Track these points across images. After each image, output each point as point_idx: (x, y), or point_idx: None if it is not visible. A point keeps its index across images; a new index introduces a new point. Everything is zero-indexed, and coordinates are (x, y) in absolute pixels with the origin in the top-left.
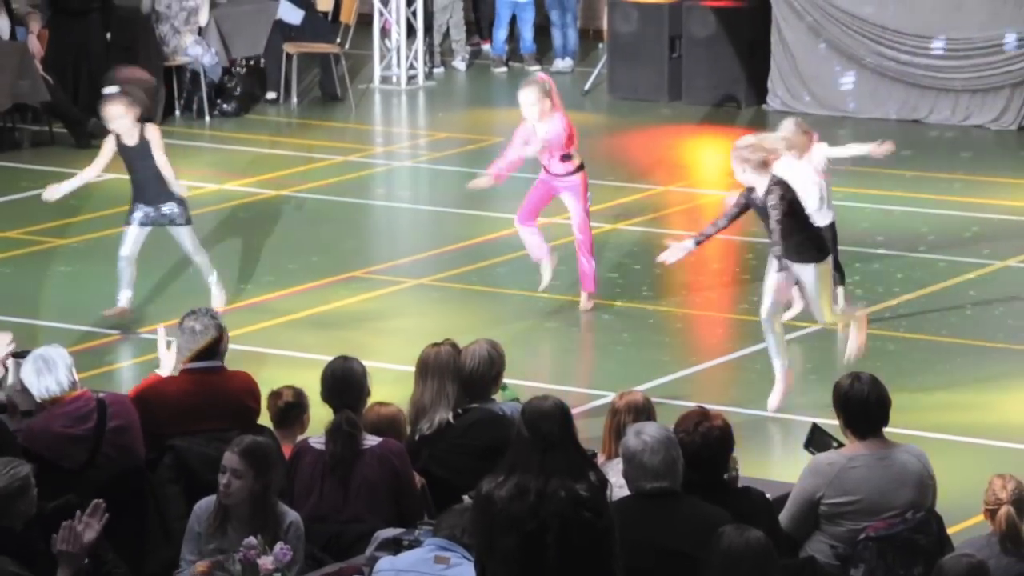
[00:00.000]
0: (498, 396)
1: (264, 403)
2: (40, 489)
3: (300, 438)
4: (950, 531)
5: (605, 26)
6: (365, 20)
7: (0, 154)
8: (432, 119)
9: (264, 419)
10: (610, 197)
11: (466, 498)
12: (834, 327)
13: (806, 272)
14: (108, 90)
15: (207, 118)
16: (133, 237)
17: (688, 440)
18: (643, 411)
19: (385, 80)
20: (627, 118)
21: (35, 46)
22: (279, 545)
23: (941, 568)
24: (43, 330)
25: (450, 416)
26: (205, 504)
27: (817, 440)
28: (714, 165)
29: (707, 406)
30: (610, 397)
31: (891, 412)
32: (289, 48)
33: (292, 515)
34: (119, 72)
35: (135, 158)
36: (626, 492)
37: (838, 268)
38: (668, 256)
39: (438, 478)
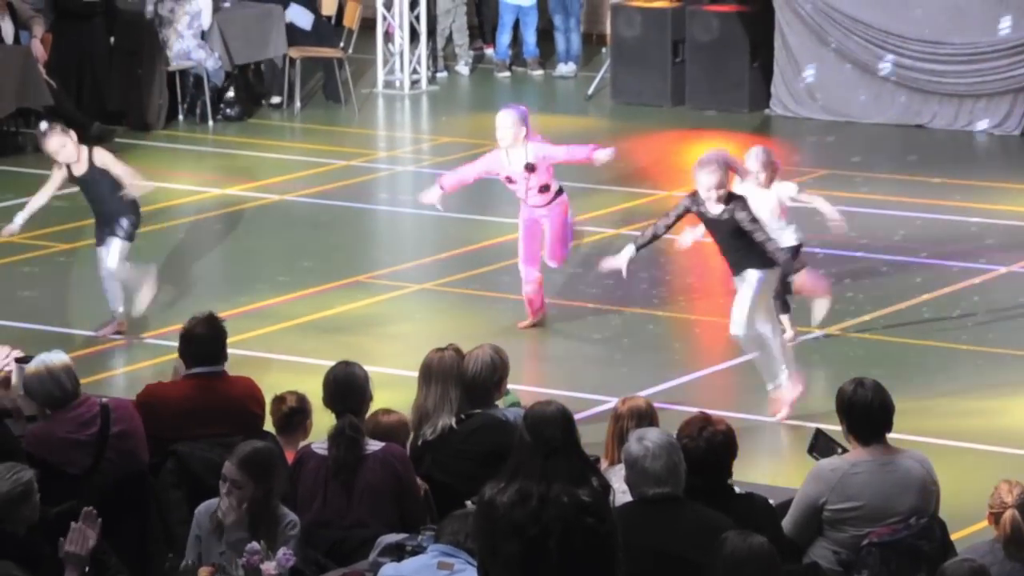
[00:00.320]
0: (500, 401)
1: (267, 408)
2: (43, 494)
3: (303, 443)
4: (953, 537)
5: (608, 30)
6: (368, 24)
7: (3, 158)
8: (435, 123)
9: (267, 424)
10: (613, 202)
11: (469, 504)
12: (735, 340)
13: (751, 274)
14: (41, 127)
15: (210, 122)
16: (117, 248)
17: (692, 445)
18: (645, 416)
19: (388, 84)
20: (630, 123)
21: (39, 50)
22: (282, 550)
23: (944, 573)
24: (47, 335)
25: (453, 421)
26: (206, 508)
27: (821, 445)
28: None
29: (709, 411)
30: (613, 402)
31: (895, 418)
32: (293, 52)
33: (290, 516)
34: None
35: (87, 185)
36: (629, 498)
37: (788, 293)
38: (612, 264)
39: (441, 483)
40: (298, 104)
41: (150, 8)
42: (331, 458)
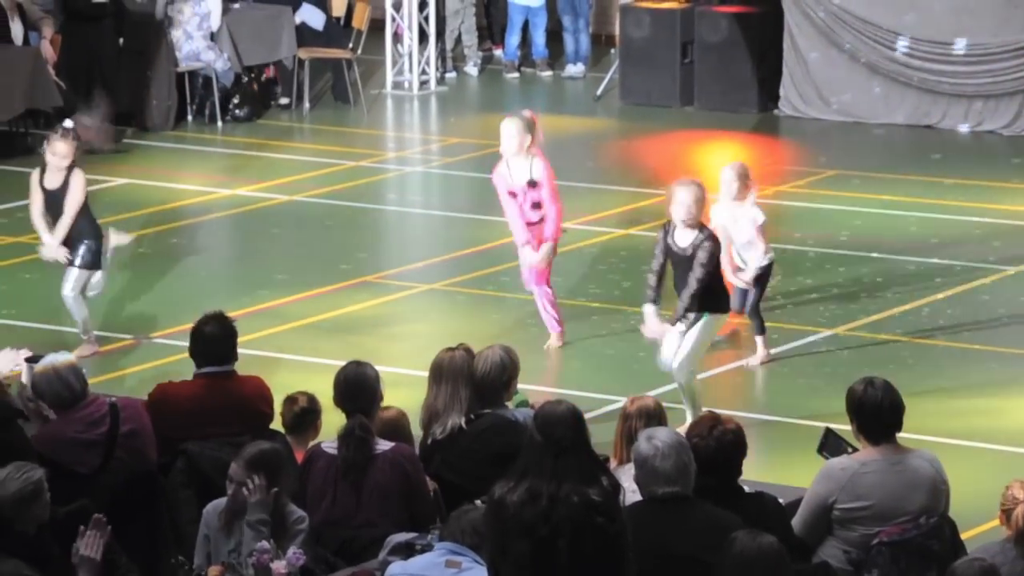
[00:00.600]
0: (510, 402)
1: (278, 408)
2: (53, 494)
3: (312, 443)
4: (963, 536)
5: (617, 31)
6: (377, 25)
7: (13, 159)
8: (444, 124)
9: (276, 423)
10: (622, 202)
11: (478, 503)
12: (672, 381)
13: (705, 317)
14: (67, 123)
15: (219, 123)
16: (74, 276)
17: (702, 445)
18: (655, 416)
19: (397, 85)
20: (639, 123)
21: (48, 51)
22: (292, 549)
23: (954, 573)
24: (58, 335)
25: (462, 421)
26: (214, 508)
27: (830, 445)
28: None
29: (718, 411)
30: (622, 402)
31: (904, 417)
32: (302, 53)
33: (298, 512)
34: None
35: (56, 200)
36: (638, 497)
37: (758, 315)
38: (654, 333)
39: (450, 483)
40: (307, 105)
41: (160, 9)
42: (340, 458)
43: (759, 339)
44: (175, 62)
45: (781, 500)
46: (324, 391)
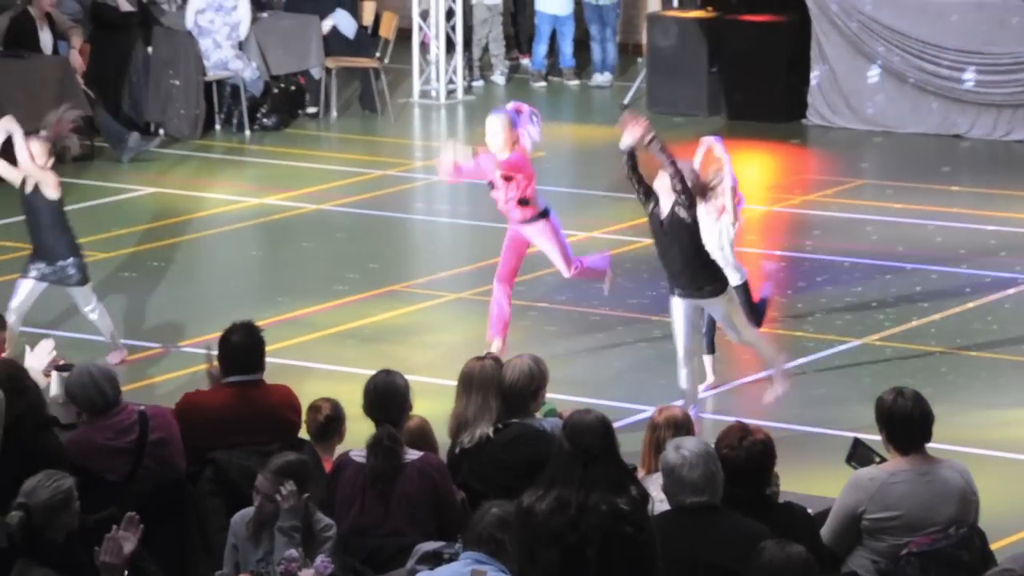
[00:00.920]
0: (538, 412)
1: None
2: (82, 501)
3: (340, 450)
4: (993, 547)
5: (644, 40)
6: (404, 35)
7: None
8: (471, 133)
9: (303, 432)
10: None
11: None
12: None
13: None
14: (42, 132)
15: (247, 132)
16: (27, 290)
17: (732, 455)
18: (682, 426)
19: (424, 94)
20: (666, 132)
21: (77, 61)
22: (320, 558)
23: None
24: (86, 343)
25: (490, 431)
26: (241, 517)
27: (859, 455)
28: (754, 179)
29: (746, 421)
30: (649, 412)
31: (934, 427)
32: (329, 62)
33: (326, 520)
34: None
35: (29, 207)
36: (667, 506)
37: (711, 334)
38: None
39: (477, 492)
40: (334, 114)
41: (189, 18)
42: (369, 467)
43: (708, 359)
44: (203, 71)
45: (810, 510)
46: (351, 400)
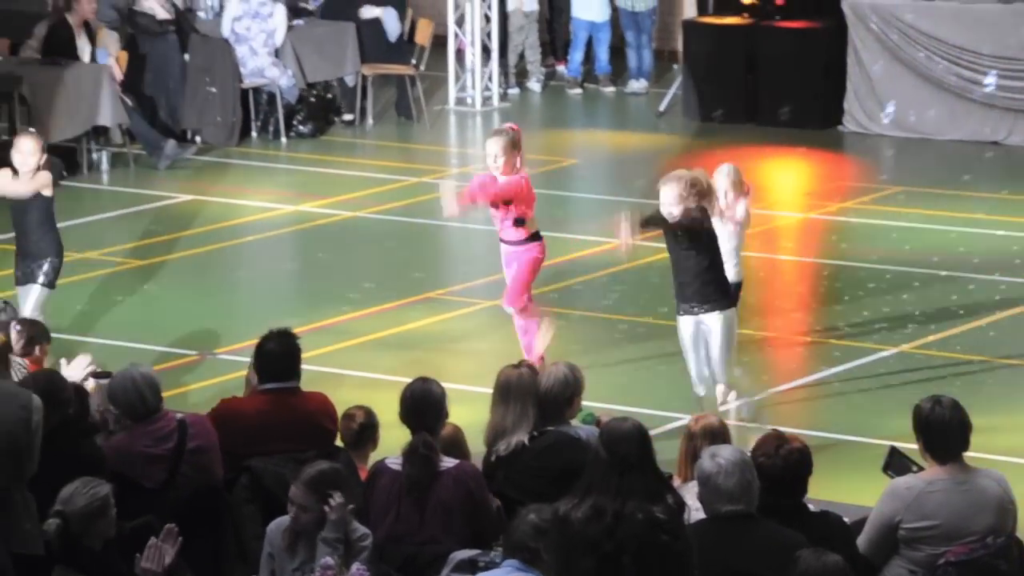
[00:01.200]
0: (575, 419)
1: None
2: (119, 508)
3: (375, 457)
4: None
5: (680, 47)
6: (440, 42)
7: (79, 176)
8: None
9: (338, 439)
10: None
11: (532, 516)
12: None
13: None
14: (29, 129)
15: (283, 139)
16: (35, 295)
17: (769, 464)
18: (718, 435)
19: (460, 101)
20: (701, 139)
21: (114, 68)
22: (356, 565)
23: None
24: (122, 350)
25: (526, 438)
26: (277, 526)
27: (896, 463)
28: (790, 186)
29: (782, 429)
30: (685, 420)
31: (972, 436)
32: (365, 69)
33: (362, 529)
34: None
35: (17, 208)
36: (702, 515)
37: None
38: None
39: (512, 500)
40: (370, 121)
41: (226, 26)
42: (405, 475)
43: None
44: (240, 78)
45: (846, 519)
46: (387, 407)
